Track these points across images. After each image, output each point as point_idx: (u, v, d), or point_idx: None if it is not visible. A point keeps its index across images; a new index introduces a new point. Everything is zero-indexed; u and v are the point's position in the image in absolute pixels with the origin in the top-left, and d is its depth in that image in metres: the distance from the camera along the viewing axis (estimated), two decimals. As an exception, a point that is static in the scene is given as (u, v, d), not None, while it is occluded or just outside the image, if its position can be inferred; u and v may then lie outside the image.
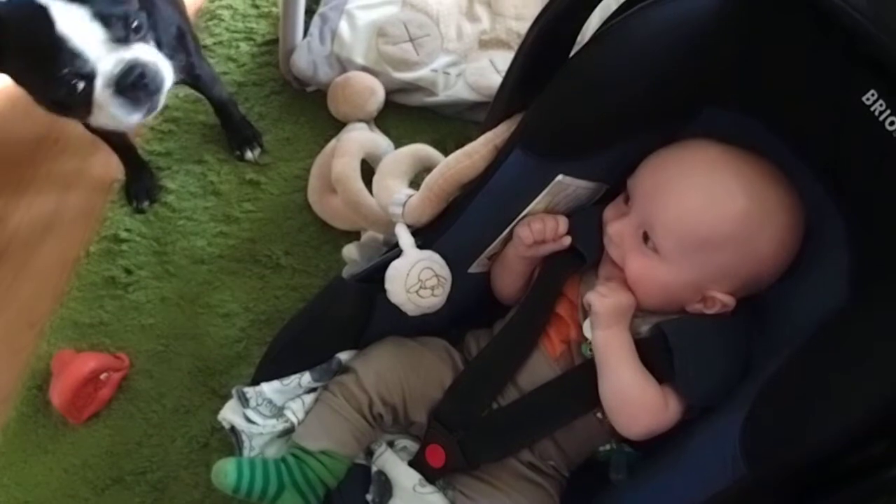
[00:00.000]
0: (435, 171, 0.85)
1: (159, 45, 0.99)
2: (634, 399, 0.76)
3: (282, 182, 1.23)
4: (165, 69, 0.93)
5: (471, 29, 1.28)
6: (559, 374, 0.81)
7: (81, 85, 0.88)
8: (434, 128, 1.25)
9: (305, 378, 0.84)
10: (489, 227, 0.86)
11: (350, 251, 1.09)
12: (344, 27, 1.27)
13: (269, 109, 1.29)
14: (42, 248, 1.23)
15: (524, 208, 0.84)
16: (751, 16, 0.74)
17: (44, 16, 0.84)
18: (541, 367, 0.82)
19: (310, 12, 1.30)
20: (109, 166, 1.26)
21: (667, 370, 0.76)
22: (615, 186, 0.86)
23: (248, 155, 1.24)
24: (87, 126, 1.14)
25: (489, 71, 1.24)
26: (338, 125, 1.24)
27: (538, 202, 0.84)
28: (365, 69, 1.24)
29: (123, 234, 1.20)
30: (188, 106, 1.30)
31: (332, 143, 1.20)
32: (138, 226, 1.21)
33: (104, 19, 0.86)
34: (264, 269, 1.17)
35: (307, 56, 1.25)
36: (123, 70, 0.88)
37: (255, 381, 0.84)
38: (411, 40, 1.26)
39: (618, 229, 0.80)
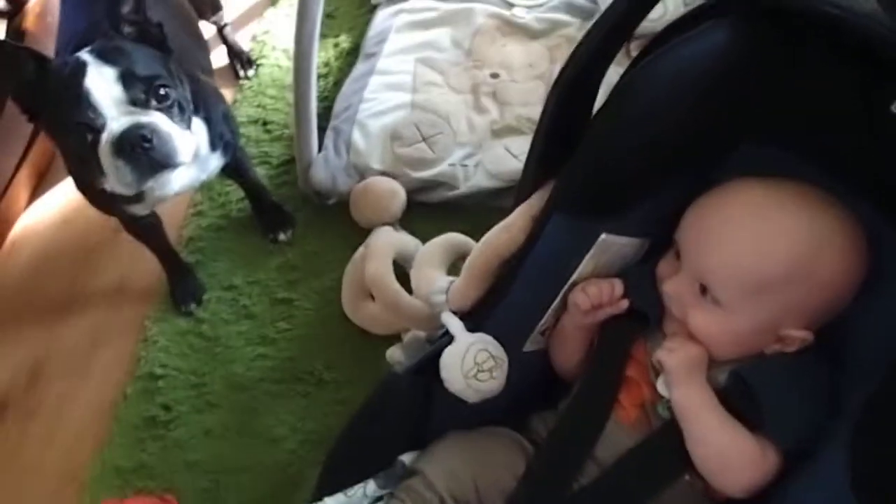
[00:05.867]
0: (475, 251, 0.83)
1: (209, 122, 1.02)
2: (730, 454, 0.71)
3: (314, 296, 1.22)
4: (181, 142, 0.92)
5: (480, 121, 1.30)
6: (639, 442, 0.76)
7: (90, 137, 0.89)
8: (460, 221, 1.22)
9: (370, 486, 0.79)
10: (539, 300, 0.83)
11: (394, 354, 1.06)
12: (358, 136, 1.29)
13: (292, 227, 1.29)
14: (76, 397, 1.20)
15: (571, 274, 0.81)
16: (766, 47, 0.74)
17: (80, 70, 0.88)
18: (618, 437, 0.77)
19: (321, 129, 1.32)
20: (138, 311, 1.25)
21: (754, 417, 0.72)
22: (659, 241, 0.83)
23: (282, 237, 1.27)
24: (125, 226, 1.17)
25: (506, 157, 1.24)
26: (363, 234, 1.24)
27: (584, 265, 0.81)
28: (383, 173, 1.25)
29: (159, 371, 1.18)
30: (211, 234, 1.31)
31: (361, 249, 1.19)
32: (174, 360, 1.19)
33: (127, 81, 0.89)
34: (308, 386, 1.13)
35: (325, 169, 1.26)
36: (127, 129, 0.88)
37: (318, 497, 0.79)
38: (425, 139, 1.27)
39: (674, 287, 0.78)
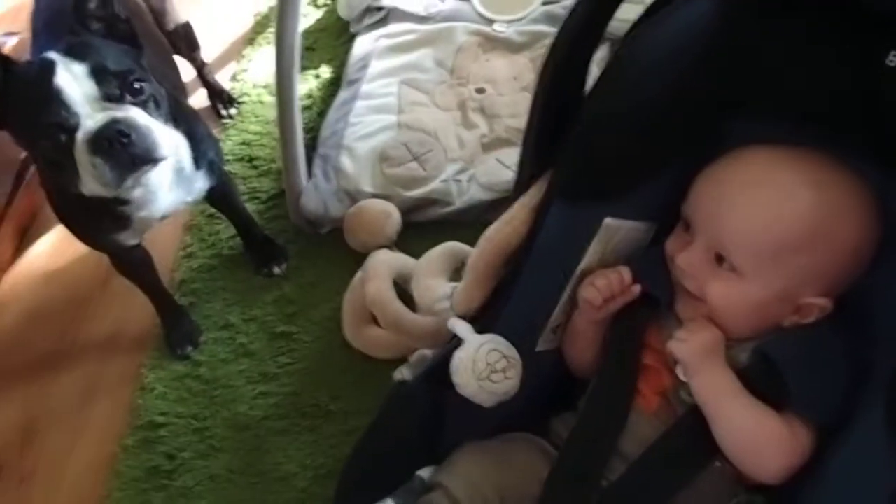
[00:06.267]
0: (476, 249, 0.81)
1: (190, 138, 0.98)
2: (758, 439, 0.68)
3: (313, 328, 1.17)
4: (161, 136, 0.88)
5: (470, 136, 1.28)
6: (664, 431, 0.72)
7: (64, 138, 0.85)
8: (456, 238, 1.19)
9: (388, 505, 0.74)
10: (547, 294, 0.79)
11: (402, 374, 1.01)
12: (346, 161, 1.27)
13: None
14: (74, 455, 1.14)
15: (578, 263, 0.79)
16: (754, 11, 0.72)
17: (49, 69, 0.84)
18: (641, 428, 0.73)
19: (308, 160, 1.29)
20: (133, 360, 1.21)
21: (781, 395, 0.68)
22: (664, 225, 0.80)
23: (276, 270, 1.24)
24: (115, 263, 1.13)
25: (498, 168, 1.22)
26: (358, 260, 1.20)
27: (591, 254, 0.78)
28: (375, 196, 1.22)
29: (159, 419, 1.13)
30: (203, 275, 1.27)
31: (359, 274, 1.16)
32: (173, 407, 1.14)
33: (99, 76, 0.85)
34: (314, 420, 1.09)
35: (315, 196, 1.23)
36: (103, 125, 0.84)
37: (335, 521, 0.74)
38: (415, 158, 1.25)
39: (686, 259, 0.74)
